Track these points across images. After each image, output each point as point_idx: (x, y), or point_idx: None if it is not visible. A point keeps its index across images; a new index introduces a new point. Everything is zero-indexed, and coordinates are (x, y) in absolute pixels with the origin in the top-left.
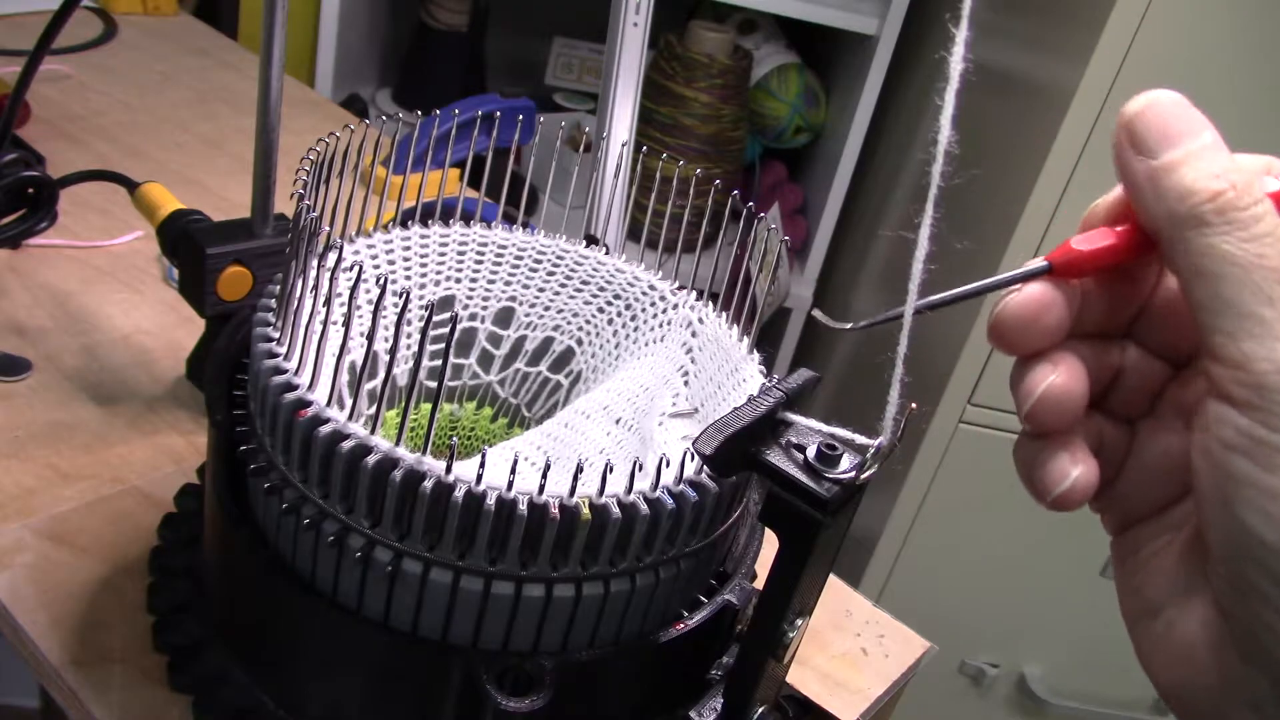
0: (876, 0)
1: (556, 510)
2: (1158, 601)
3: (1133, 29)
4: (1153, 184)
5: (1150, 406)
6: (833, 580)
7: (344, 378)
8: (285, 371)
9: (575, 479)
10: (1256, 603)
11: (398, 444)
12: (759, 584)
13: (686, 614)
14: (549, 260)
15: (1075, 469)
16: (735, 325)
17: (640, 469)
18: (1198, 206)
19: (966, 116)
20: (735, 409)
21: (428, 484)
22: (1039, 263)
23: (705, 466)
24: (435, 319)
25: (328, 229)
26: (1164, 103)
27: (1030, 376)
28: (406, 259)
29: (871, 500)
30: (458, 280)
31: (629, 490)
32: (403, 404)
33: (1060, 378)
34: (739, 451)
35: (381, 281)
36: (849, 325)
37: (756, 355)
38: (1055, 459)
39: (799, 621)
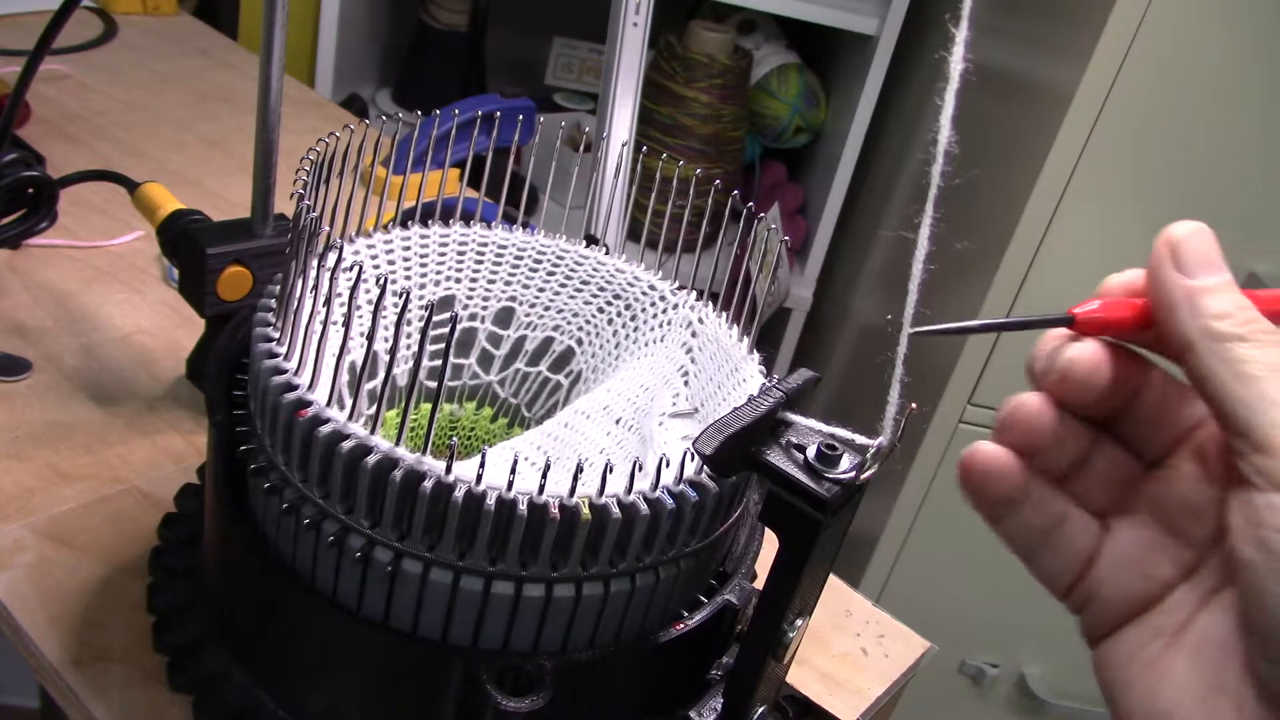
0: (876, 0)
1: (556, 510)
2: (1171, 708)
3: (1133, 29)
4: (1189, 300)
5: (1120, 502)
6: (833, 580)
7: (344, 378)
8: (285, 371)
9: (575, 479)
10: None
11: (398, 444)
12: (759, 584)
13: (686, 614)
14: (549, 260)
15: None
16: (735, 325)
17: (640, 469)
18: (1235, 325)
19: (966, 116)
20: (735, 409)
21: (428, 484)
22: (1061, 314)
23: (705, 466)
24: (435, 319)
25: (328, 229)
26: (1205, 234)
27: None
28: (406, 259)
29: (871, 500)
30: (458, 280)
31: (629, 490)
32: (403, 404)
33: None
34: (739, 451)
35: (381, 281)
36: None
37: (756, 355)
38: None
39: (799, 621)
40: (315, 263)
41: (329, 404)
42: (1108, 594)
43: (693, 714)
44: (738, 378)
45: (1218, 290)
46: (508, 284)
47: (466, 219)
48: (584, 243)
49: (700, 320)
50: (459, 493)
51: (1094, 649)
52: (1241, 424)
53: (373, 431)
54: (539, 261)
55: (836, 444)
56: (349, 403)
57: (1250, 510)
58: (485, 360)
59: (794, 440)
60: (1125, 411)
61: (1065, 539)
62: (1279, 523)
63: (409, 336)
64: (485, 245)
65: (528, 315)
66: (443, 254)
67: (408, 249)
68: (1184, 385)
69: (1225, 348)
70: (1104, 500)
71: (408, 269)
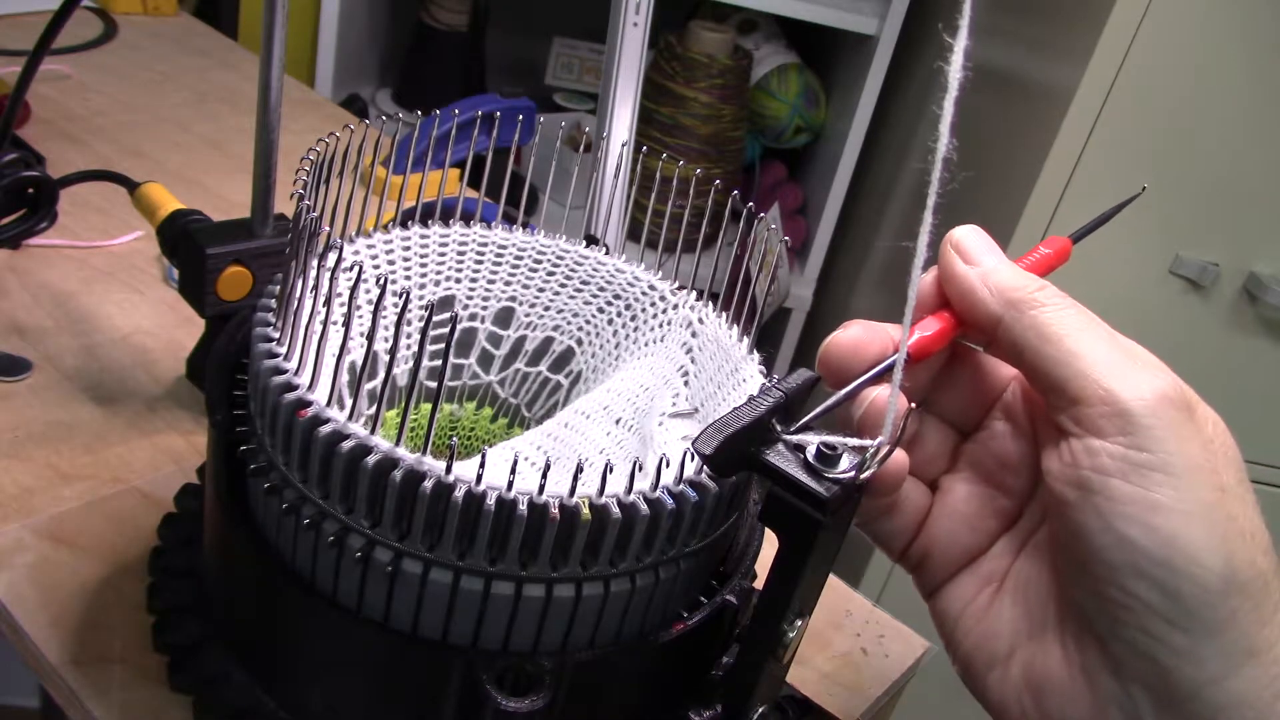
0: (876, 0)
1: (556, 510)
2: (1006, 649)
3: (1133, 29)
4: (983, 282)
5: (946, 467)
6: (833, 580)
7: (344, 378)
8: (285, 371)
9: (575, 479)
10: (1141, 617)
11: (398, 444)
12: (759, 584)
13: (686, 614)
14: (549, 260)
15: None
16: (735, 325)
17: (640, 469)
18: (1031, 292)
19: (965, 117)
20: (735, 409)
21: (428, 484)
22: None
23: (705, 466)
24: (435, 319)
25: (328, 229)
26: (977, 230)
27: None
28: (406, 259)
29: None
30: (458, 280)
31: (629, 490)
32: (403, 404)
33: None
34: (739, 451)
35: (381, 281)
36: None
37: (756, 355)
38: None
39: (799, 621)
40: (315, 263)
41: (329, 404)
42: (941, 549)
43: (693, 714)
44: (738, 378)
45: (1003, 267)
46: (508, 284)
47: (466, 219)
48: (584, 243)
49: (700, 320)
50: (459, 493)
51: (930, 602)
52: (1055, 380)
53: (373, 431)
54: (539, 261)
55: (836, 444)
56: (349, 403)
57: (1067, 454)
58: (485, 360)
59: (794, 440)
60: (940, 390)
61: (900, 506)
62: (1094, 463)
63: (409, 336)
64: (485, 245)
65: (528, 315)
66: (443, 254)
67: (408, 249)
68: (983, 358)
69: (1029, 315)
70: (933, 469)
71: (408, 269)
